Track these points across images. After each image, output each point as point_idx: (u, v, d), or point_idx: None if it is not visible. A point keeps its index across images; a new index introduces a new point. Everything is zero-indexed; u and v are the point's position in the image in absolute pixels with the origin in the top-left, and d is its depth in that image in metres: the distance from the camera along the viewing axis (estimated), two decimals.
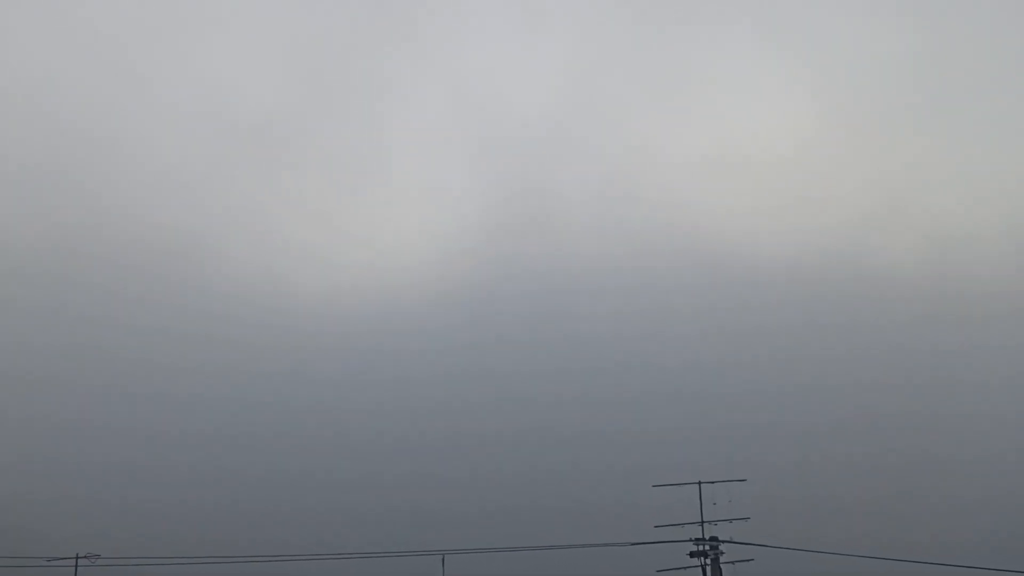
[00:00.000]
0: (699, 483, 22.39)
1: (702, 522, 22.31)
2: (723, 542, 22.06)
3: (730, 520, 22.27)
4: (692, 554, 22.18)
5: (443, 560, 27.72)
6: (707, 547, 22.20)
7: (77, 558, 29.24)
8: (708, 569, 22.07)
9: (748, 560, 22.01)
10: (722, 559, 22.11)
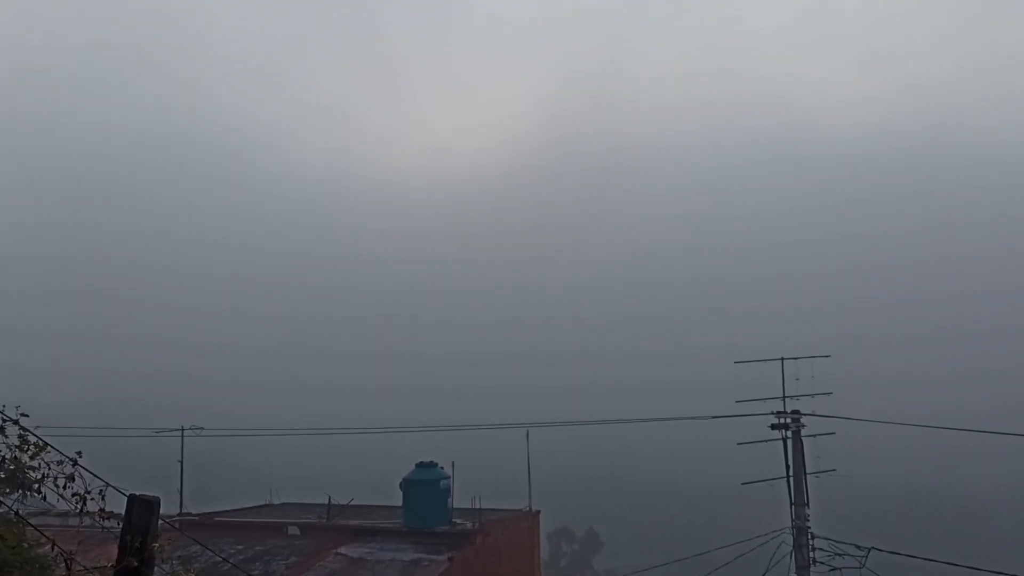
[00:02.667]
0: (782, 359, 22.41)
1: (784, 396, 22.43)
2: (805, 415, 22.20)
3: (812, 395, 22.33)
4: (773, 427, 22.40)
5: (527, 434, 28.58)
6: (788, 420, 22.37)
7: (183, 430, 30.92)
8: (789, 442, 22.31)
9: (830, 433, 22.16)
10: (803, 432, 22.29)
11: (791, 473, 21.97)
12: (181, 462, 29.87)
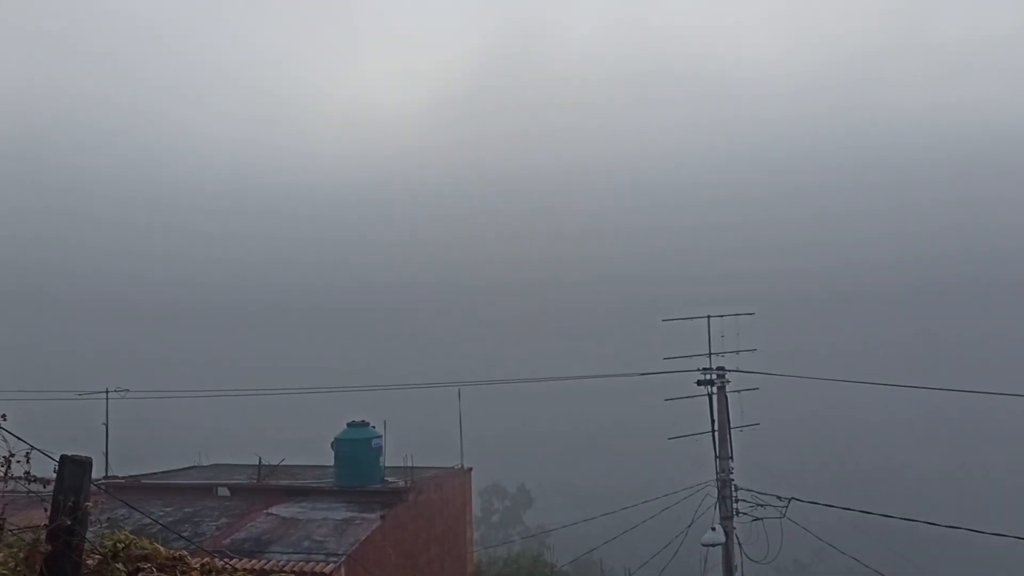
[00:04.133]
0: (708, 317, 22.83)
1: (710, 353, 22.86)
2: (730, 371, 22.69)
3: (737, 351, 22.81)
4: (699, 383, 22.86)
5: (459, 393, 28.75)
6: (713, 376, 22.86)
7: (107, 392, 30.31)
8: (714, 397, 22.83)
9: (754, 388, 22.74)
10: (728, 388, 22.81)
11: (716, 428, 22.52)
12: (106, 424, 29.30)
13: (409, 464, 26.60)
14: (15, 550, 4.72)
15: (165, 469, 31.32)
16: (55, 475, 5.18)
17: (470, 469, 30.03)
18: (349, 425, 26.63)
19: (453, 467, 29.39)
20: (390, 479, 26.40)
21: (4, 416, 6.23)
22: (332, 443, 26.63)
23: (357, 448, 26.23)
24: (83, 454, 5.05)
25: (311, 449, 31.35)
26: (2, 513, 4.56)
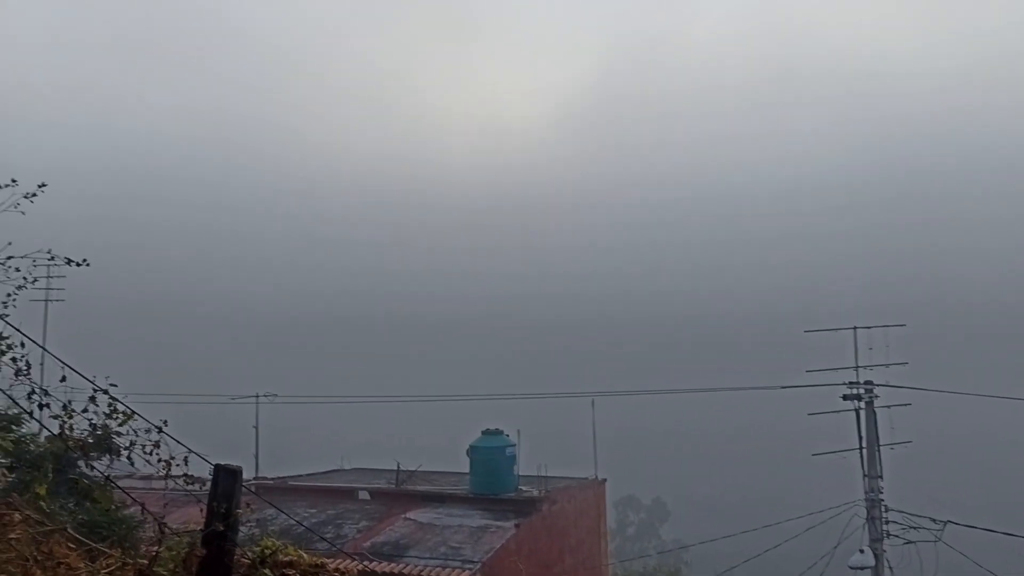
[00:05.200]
0: (854, 328, 21.89)
1: (856, 366, 21.92)
2: (878, 385, 21.70)
3: (887, 365, 21.79)
4: (845, 397, 21.93)
5: (592, 403, 28.58)
6: (861, 391, 21.89)
7: (257, 396, 31.72)
8: (862, 413, 21.86)
9: (905, 404, 21.64)
10: (877, 403, 21.80)
11: (863, 444, 21.55)
12: (256, 427, 30.67)
13: (543, 474, 26.61)
14: (174, 552, 5.00)
15: (310, 472, 32.45)
16: (210, 478, 5.48)
17: (604, 480, 29.78)
18: (484, 433, 26.88)
19: (587, 478, 29.22)
20: (524, 488, 26.48)
21: (165, 422, 6.62)
22: (467, 450, 26.95)
23: (492, 456, 26.45)
24: (227, 458, 5.28)
25: (447, 455, 31.82)
26: (163, 516, 4.84)
